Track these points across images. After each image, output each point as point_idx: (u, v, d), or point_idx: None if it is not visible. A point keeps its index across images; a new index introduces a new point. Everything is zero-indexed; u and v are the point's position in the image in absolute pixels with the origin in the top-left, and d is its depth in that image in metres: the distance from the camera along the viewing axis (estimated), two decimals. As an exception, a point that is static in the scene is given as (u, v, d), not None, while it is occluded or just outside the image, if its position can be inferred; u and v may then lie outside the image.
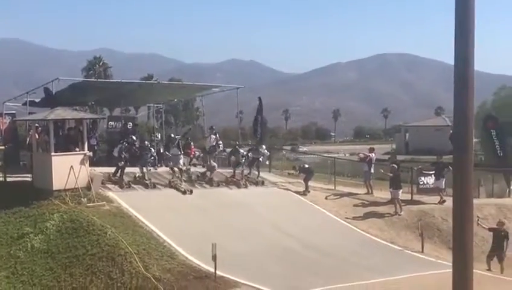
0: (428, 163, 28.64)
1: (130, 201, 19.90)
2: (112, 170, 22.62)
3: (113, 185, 21.50)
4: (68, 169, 19.79)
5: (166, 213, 19.58)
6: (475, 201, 7.70)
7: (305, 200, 23.76)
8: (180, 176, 23.05)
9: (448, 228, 20.12)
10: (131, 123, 29.76)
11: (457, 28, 7.18)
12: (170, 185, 22.53)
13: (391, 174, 23.42)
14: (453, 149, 7.61)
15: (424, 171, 25.26)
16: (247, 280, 14.54)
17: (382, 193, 24.88)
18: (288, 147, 76.23)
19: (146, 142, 23.97)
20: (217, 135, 27.99)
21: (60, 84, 24.36)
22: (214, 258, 14.25)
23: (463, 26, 7.15)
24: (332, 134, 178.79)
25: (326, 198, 24.32)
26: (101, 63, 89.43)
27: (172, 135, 25.77)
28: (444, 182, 23.78)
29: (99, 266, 15.04)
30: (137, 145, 22.85)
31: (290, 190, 24.76)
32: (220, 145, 26.63)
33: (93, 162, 22.56)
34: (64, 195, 19.13)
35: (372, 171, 25.81)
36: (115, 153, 22.25)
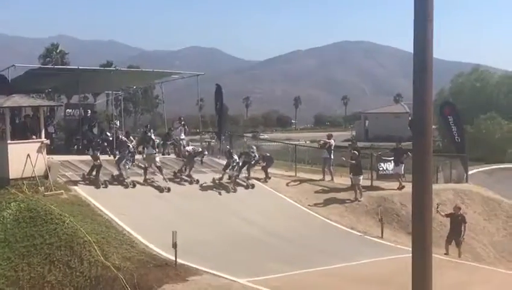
0: (388, 149, 28.93)
1: (88, 190, 19.62)
2: (70, 158, 22.22)
3: (85, 185, 20.30)
4: (25, 157, 19.41)
5: (126, 201, 19.33)
6: (434, 186, 7.80)
7: (266, 187, 23.75)
8: (160, 173, 22.12)
9: (407, 214, 20.42)
10: (89, 111, 29.33)
11: (416, 15, 7.21)
12: (147, 182, 21.70)
13: (353, 161, 23.53)
14: (413, 135, 7.67)
15: (384, 158, 25.51)
16: (208, 268, 14.46)
17: (342, 179, 25.04)
18: (250, 135, 76.18)
19: (123, 138, 23.18)
20: (186, 127, 27.61)
21: (17, 71, 23.87)
22: (174, 246, 14.16)
23: (422, 13, 7.19)
24: (293, 121, 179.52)
25: (287, 185, 24.36)
26: (58, 50, 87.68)
27: (149, 134, 23.59)
28: (403, 168, 24.07)
29: (57, 255, 14.85)
30: (110, 139, 22.20)
31: (251, 177, 24.68)
32: (205, 155, 24.58)
33: (51, 150, 22.15)
34: (21, 184, 18.81)
35: (332, 157, 25.92)
36: (90, 152, 21.64)
